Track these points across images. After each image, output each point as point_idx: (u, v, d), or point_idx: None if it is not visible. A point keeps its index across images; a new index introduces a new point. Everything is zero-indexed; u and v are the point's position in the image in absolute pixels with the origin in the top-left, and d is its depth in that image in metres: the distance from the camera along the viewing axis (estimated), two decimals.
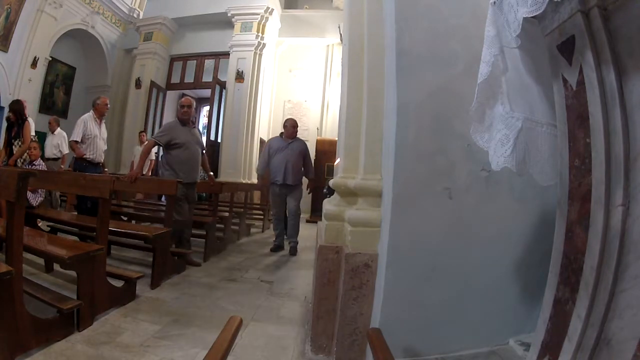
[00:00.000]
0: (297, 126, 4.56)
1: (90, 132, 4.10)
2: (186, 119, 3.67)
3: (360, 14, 1.95)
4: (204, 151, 4.00)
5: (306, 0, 9.92)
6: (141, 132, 7.60)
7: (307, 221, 7.36)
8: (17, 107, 4.66)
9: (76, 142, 4.06)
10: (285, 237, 4.57)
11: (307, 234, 5.20)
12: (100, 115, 4.23)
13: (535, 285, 1.32)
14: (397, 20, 1.51)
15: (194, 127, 3.89)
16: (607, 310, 0.77)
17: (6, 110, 5.80)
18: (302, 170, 4.50)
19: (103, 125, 4.37)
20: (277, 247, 4.53)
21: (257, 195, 8.30)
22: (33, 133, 4.71)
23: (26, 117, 4.66)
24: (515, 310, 1.53)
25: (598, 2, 0.77)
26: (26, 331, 1.63)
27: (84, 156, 4.06)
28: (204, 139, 5.14)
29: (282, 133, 4.56)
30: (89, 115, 4.20)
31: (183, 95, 10.67)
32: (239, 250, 4.47)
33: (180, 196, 3.40)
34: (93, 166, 4.14)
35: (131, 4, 9.64)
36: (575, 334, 0.82)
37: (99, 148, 4.21)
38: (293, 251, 4.38)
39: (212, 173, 4.26)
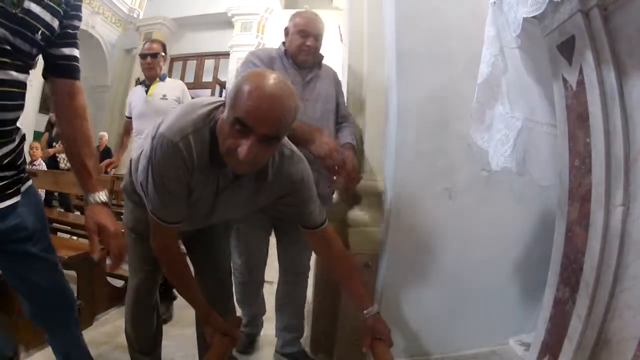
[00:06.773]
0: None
1: None
2: None
3: (360, 14, 1.95)
4: None
5: (306, 0, 9.93)
6: None
7: None
8: None
9: None
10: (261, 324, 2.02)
11: None
12: None
13: (535, 285, 1.32)
14: (397, 20, 1.51)
15: None
16: (607, 310, 0.77)
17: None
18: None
19: None
20: (248, 342, 1.92)
21: None
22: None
23: None
24: (515, 310, 1.53)
25: (598, 2, 0.77)
26: (26, 331, 1.63)
27: None
28: None
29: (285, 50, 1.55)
30: None
31: None
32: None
33: None
34: None
35: (131, 4, 9.63)
36: (575, 334, 0.82)
37: None
38: None
39: None
